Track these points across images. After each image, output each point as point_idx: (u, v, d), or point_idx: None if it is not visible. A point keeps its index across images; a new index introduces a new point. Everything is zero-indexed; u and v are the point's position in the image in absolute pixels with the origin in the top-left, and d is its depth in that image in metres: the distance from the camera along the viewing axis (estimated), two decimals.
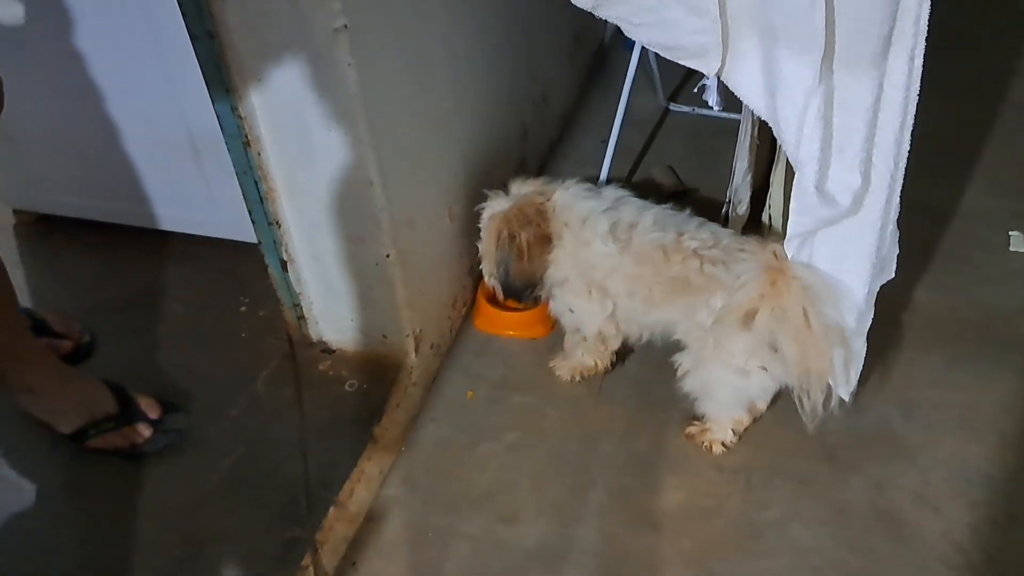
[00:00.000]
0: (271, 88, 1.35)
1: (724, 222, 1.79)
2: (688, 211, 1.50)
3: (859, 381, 1.48)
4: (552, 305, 1.62)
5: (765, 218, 1.72)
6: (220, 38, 1.29)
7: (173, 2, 1.37)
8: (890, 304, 1.73)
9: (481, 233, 1.58)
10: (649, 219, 1.46)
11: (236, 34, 1.29)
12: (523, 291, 1.55)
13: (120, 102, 1.72)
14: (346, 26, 1.25)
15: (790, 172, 1.48)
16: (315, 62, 1.30)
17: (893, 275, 1.40)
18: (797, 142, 1.18)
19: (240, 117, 1.38)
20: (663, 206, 1.51)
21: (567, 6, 1.26)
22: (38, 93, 1.76)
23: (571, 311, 1.58)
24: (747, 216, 1.77)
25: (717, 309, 1.37)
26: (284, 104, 1.36)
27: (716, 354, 1.40)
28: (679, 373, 1.49)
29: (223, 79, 1.34)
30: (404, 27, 1.42)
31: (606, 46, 2.69)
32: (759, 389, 1.46)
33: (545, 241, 1.51)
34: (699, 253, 1.40)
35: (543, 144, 2.24)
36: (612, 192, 1.53)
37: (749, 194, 1.72)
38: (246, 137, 1.40)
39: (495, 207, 1.55)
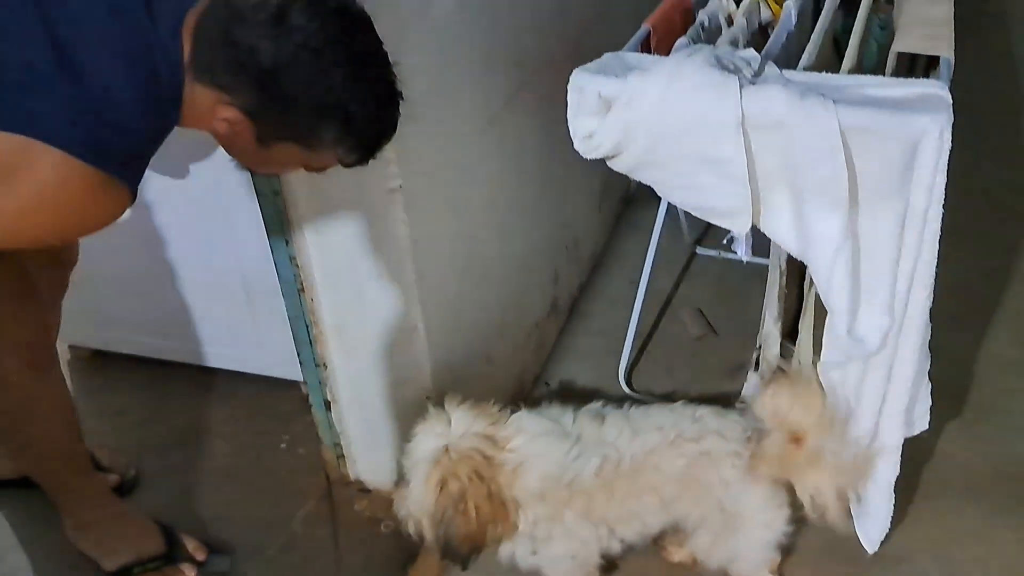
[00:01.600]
0: (327, 240, 1.45)
1: (755, 367, 1.83)
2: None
3: (890, 531, 1.47)
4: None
5: (794, 363, 1.76)
6: (284, 196, 1.40)
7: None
8: (923, 454, 1.74)
9: (410, 473, 1.29)
10: (626, 432, 1.33)
11: (299, 192, 1.40)
12: (468, 557, 1.29)
13: (181, 248, 1.84)
14: (400, 186, 1.36)
15: (819, 319, 1.54)
16: (370, 218, 1.40)
17: (927, 426, 1.43)
18: (828, 288, 1.25)
19: (297, 266, 1.47)
20: (626, 407, 1.39)
21: (597, 162, 1.36)
22: (100, 234, 1.88)
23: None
24: (776, 362, 1.81)
25: (729, 477, 1.34)
26: (339, 255, 1.46)
27: (736, 521, 1.37)
28: (700, 558, 1.43)
29: (284, 232, 1.44)
30: (451, 187, 1.54)
31: (633, 192, 2.82)
32: (784, 526, 1.43)
33: (499, 506, 1.26)
34: (690, 439, 1.33)
35: (574, 285, 2.33)
36: (566, 414, 1.36)
37: (779, 340, 1.77)
38: (301, 284, 1.49)
39: (433, 442, 1.28)
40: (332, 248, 1.46)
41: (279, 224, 1.43)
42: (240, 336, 1.93)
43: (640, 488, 1.32)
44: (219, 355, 1.99)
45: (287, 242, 1.45)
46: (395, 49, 1.28)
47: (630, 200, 2.79)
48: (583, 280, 2.39)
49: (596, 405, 1.42)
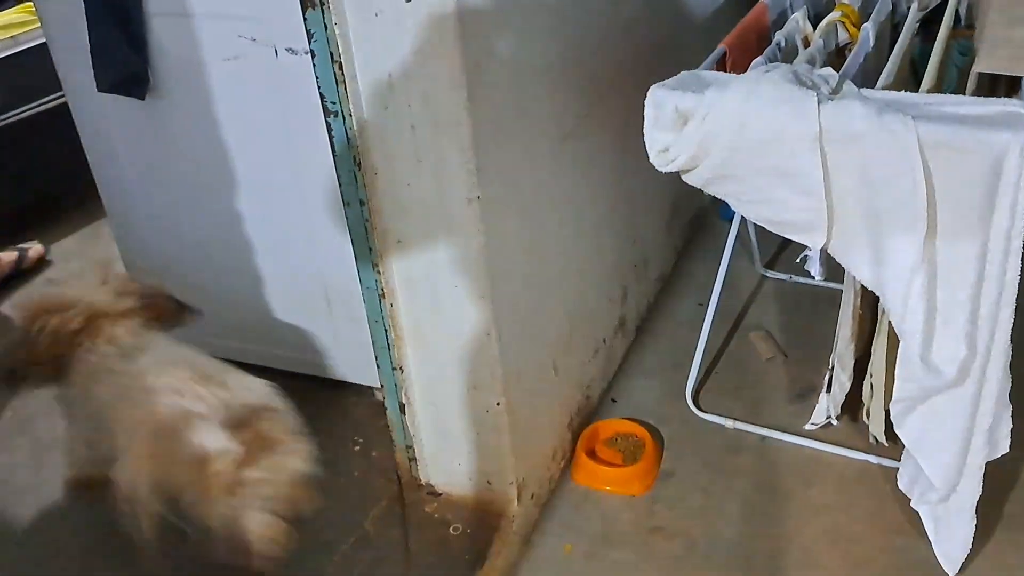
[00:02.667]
0: (408, 248, 1.51)
1: (827, 389, 1.82)
2: None
3: (971, 556, 1.44)
4: None
5: (867, 386, 1.75)
6: (370, 205, 1.47)
7: (324, 174, 1.59)
8: (1006, 480, 1.70)
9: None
10: None
11: (383, 202, 1.47)
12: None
13: (268, 256, 1.93)
14: (479, 197, 1.42)
15: (892, 341, 1.53)
16: (449, 227, 1.46)
17: (1007, 449, 1.40)
18: (902, 314, 1.24)
19: (379, 272, 1.54)
20: None
21: (667, 179, 1.39)
22: (192, 242, 1.99)
23: None
24: (850, 384, 1.79)
25: None
26: (418, 262, 1.51)
27: None
28: None
29: (368, 239, 1.51)
30: (525, 199, 1.58)
31: (703, 213, 2.83)
32: None
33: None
34: None
35: (642, 305, 2.35)
36: None
37: (852, 362, 1.76)
38: (382, 290, 1.55)
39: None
40: (412, 256, 1.52)
41: (364, 232, 1.50)
42: (318, 341, 2.00)
43: None
44: (297, 360, 2.06)
45: (371, 249, 1.51)
46: (478, 64, 1.35)
47: (699, 222, 2.80)
48: (651, 300, 2.40)
49: None
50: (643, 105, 1.33)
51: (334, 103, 1.40)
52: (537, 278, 1.68)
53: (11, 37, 2.70)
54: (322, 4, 1.32)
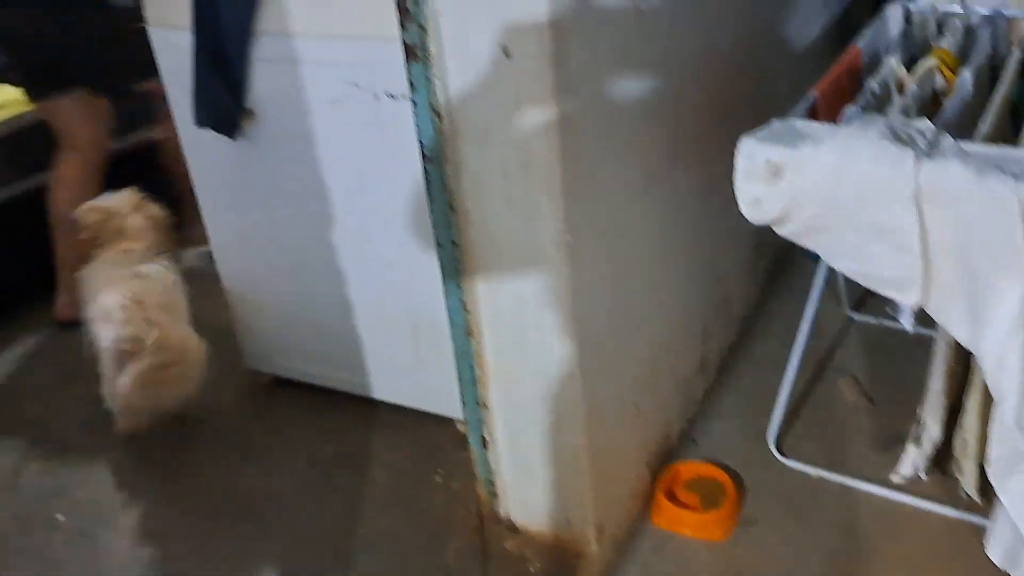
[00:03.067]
0: (496, 287, 1.55)
1: (915, 442, 1.78)
2: None
3: None
4: None
5: (958, 441, 1.70)
6: (461, 246, 1.52)
7: (417, 211, 1.65)
8: None
9: None
10: None
11: (474, 243, 1.52)
12: None
13: (359, 287, 2.01)
14: (568, 242, 1.45)
15: (987, 397, 1.49)
16: (537, 269, 1.50)
17: None
18: (998, 376, 1.21)
19: (467, 311, 1.58)
20: None
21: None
22: (289, 271, 2.08)
23: None
24: (940, 438, 1.75)
25: None
26: (506, 302, 1.55)
27: None
28: None
29: (458, 279, 1.55)
30: (611, 240, 1.61)
31: (787, 251, 2.79)
32: None
33: None
34: None
35: (724, 344, 2.33)
36: None
37: (943, 416, 1.71)
38: (469, 328, 1.60)
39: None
40: (500, 295, 1.56)
41: (454, 271, 1.55)
42: (404, 371, 2.06)
43: None
44: (383, 387, 2.13)
45: (460, 288, 1.56)
46: (571, 114, 1.39)
47: (784, 260, 2.77)
48: (734, 339, 2.39)
49: None
50: (731, 145, 1.34)
51: (432, 149, 1.46)
52: (621, 318, 1.70)
53: None
54: (425, 58, 1.38)
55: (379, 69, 1.70)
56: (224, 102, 1.85)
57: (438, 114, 1.42)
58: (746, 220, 1.36)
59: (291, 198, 1.97)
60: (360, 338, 2.08)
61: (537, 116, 1.36)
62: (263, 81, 1.85)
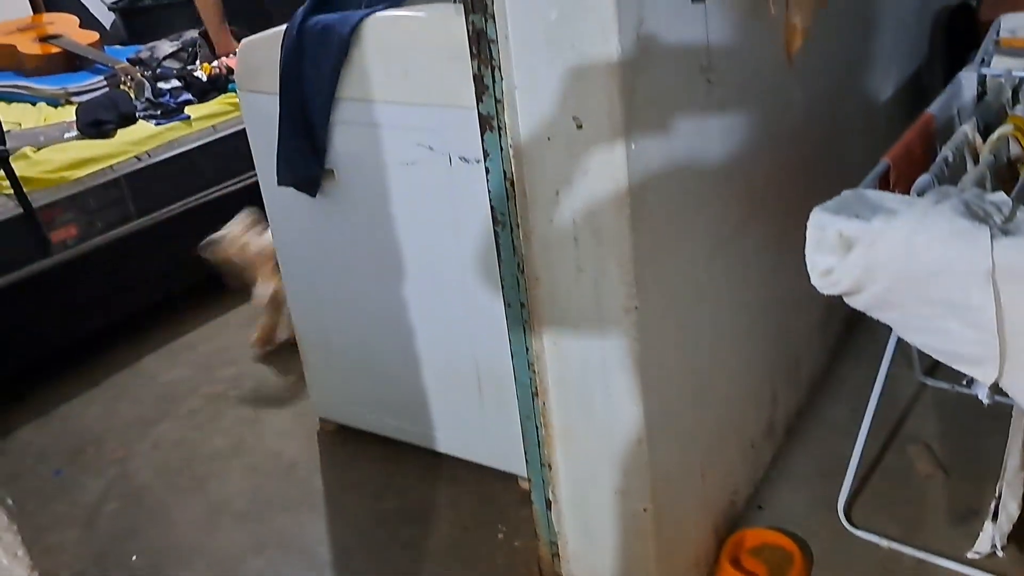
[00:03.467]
0: (564, 350, 1.57)
1: (992, 517, 1.72)
2: None
3: None
4: None
5: None
6: (529, 308, 1.55)
7: (486, 272, 1.69)
8: None
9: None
10: None
11: (543, 305, 1.55)
12: None
13: (426, 340, 2.05)
14: (636, 307, 1.47)
15: None
16: (604, 333, 1.51)
17: None
18: None
19: (534, 371, 1.61)
20: None
21: None
22: (360, 322, 2.14)
23: None
24: (1019, 513, 1.68)
25: None
26: (572, 364, 1.57)
27: None
28: None
29: (525, 340, 1.58)
30: (680, 305, 1.62)
31: (859, 313, 2.75)
32: None
33: None
34: None
35: (792, 408, 2.30)
36: None
37: (1021, 491, 1.65)
38: (535, 388, 1.62)
39: None
40: (567, 357, 1.58)
41: (522, 332, 1.58)
42: (468, 425, 2.09)
43: None
44: (448, 441, 2.16)
45: (527, 349, 1.59)
46: (643, 185, 1.42)
47: (854, 321, 2.72)
48: (802, 403, 2.35)
49: None
50: (801, 207, 1.34)
51: (503, 214, 1.50)
52: (689, 381, 1.70)
53: (212, 126, 3.03)
54: (499, 128, 1.43)
55: (453, 134, 1.76)
56: (306, 162, 1.94)
57: (510, 181, 1.46)
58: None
59: (364, 253, 2.04)
60: (426, 391, 2.12)
61: (608, 185, 1.39)
62: (343, 143, 1.93)
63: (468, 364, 2.00)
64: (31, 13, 4.03)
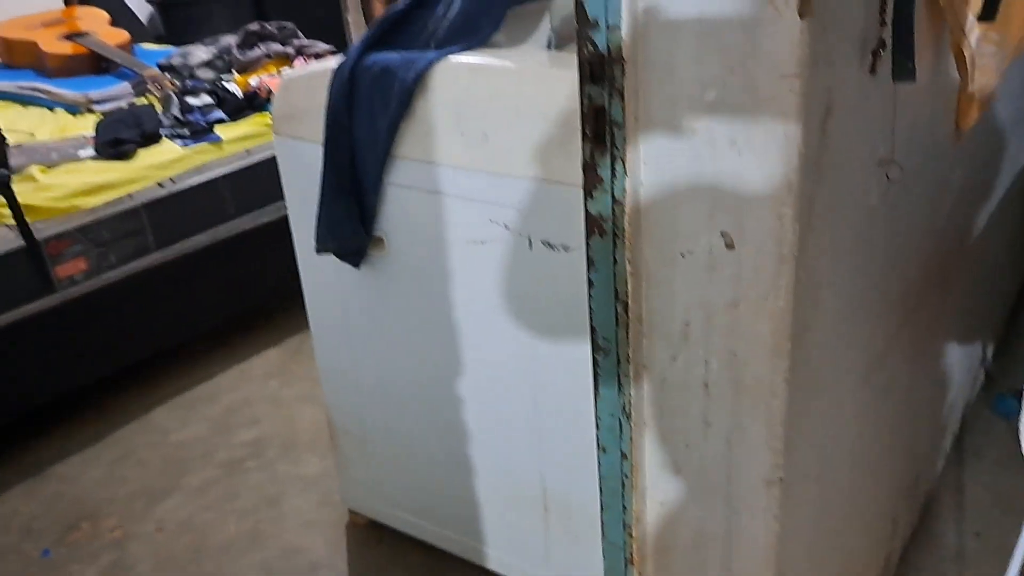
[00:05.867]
0: (673, 513, 1.22)
1: None
2: None
3: None
4: None
5: None
6: (633, 459, 1.20)
7: (565, 381, 1.34)
8: None
9: None
10: None
11: (650, 458, 1.19)
12: None
13: (480, 445, 1.70)
14: (781, 479, 1.11)
15: None
16: (733, 504, 1.16)
17: None
18: None
19: (630, 534, 1.25)
20: None
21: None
22: (403, 413, 1.80)
23: None
24: None
25: None
26: (683, 532, 1.22)
27: None
28: None
29: (623, 496, 1.23)
30: (829, 465, 1.26)
31: (975, 416, 2.36)
32: None
33: None
34: None
35: (907, 534, 1.93)
36: None
37: None
38: (630, 554, 1.27)
39: None
40: (677, 522, 1.22)
41: (619, 488, 1.23)
42: (527, 547, 1.74)
43: None
44: (501, 559, 1.81)
45: (624, 509, 1.24)
46: (805, 325, 1.05)
47: (970, 419, 2.34)
48: (915, 525, 1.98)
49: None
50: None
51: (608, 341, 1.14)
52: (821, 544, 1.34)
53: (245, 149, 2.70)
54: (614, 235, 1.07)
55: (537, 213, 1.41)
56: (351, 227, 1.60)
57: (623, 303, 1.10)
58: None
59: (413, 337, 1.70)
60: (478, 501, 1.77)
61: (762, 323, 1.03)
62: (397, 209, 1.58)
63: (533, 481, 1.65)
64: (63, 6, 3.73)
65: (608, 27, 0.97)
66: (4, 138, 2.27)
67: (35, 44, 3.18)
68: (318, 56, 2.97)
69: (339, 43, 3.38)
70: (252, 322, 2.86)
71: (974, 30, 1.15)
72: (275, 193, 2.65)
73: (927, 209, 1.47)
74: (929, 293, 1.58)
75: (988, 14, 1.10)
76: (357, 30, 5.28)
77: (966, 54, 1.15)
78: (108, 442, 2.40)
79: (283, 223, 2.63)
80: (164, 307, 2.58)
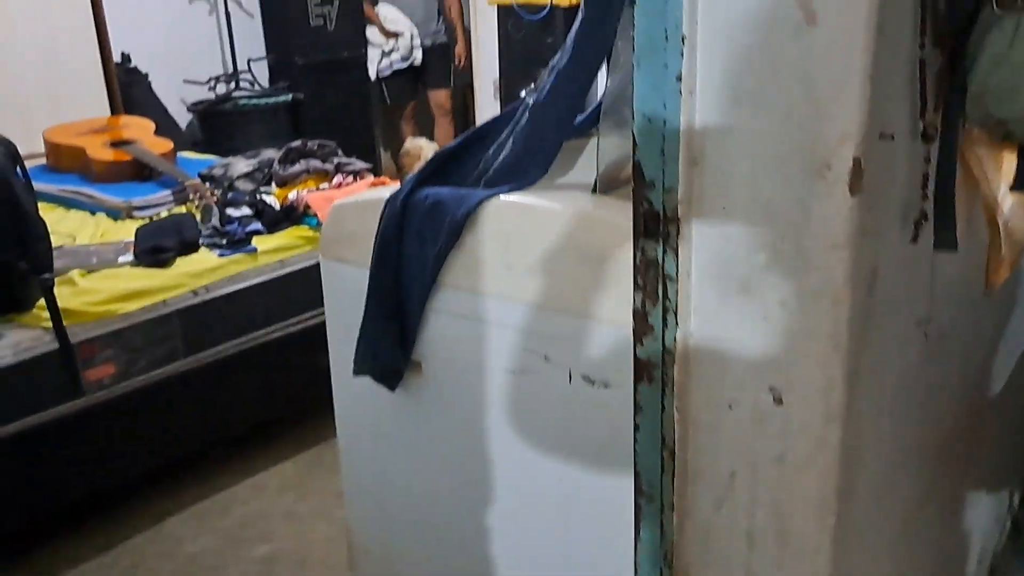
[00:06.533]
0: None
1: None
2: None
3: None
4: None
5: None
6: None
7: (600, 523, 1.33)
8: None
9: None
10: None
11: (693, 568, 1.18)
12: None
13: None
14: None
15: None
16: None
17: None
18: None
19: None
20: None
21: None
22: (433, 545, 1.77)
23: None
24: None
25: None
26: None
27: None
28: None
29: None
30: None
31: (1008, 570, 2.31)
32: None
33: None
34: None
35: None
36: None
37: None
38: None
39: None
40: None
41: None
42: None
43: None
44: None
45: None
46: (849, 479, 1.06)
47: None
48: None
49: None
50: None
51: (652, 487, 1.15)
52: None
53: (279, 260, 2.77)
54: (663, 382, 1.10)
55: (578, 347, 1.43)
56: (391, 350, 1.63)
57: (670, 452, 1.12)
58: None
59: (446, 462, 1.70)
60: None
61: (809, 478, 1.04)
62: (437, 334, 1.62)
63: None
64: (109, 114, 3.91)
65: (665, 189, 1.03)
66: (50, 243, 2.34)
67: (82, 150, 3.31)
68: (356, 174, 3.08)
69: (368, 157, 3.56)
70: (268, 432, 2.86)
71: (1007, 199, 1.21)
72: (304, 304, 2.72)
73: (960, 360, 1.49)
74: (961, 442, 1.58)
75: (1021, 185, 1.15)
76: (379, 145, 5.62)
77: (999, 222, 1.20)
78: (119, 551, 2.36)
79: (308, 333, 2.68)
80: (185, 415, 2.59)
